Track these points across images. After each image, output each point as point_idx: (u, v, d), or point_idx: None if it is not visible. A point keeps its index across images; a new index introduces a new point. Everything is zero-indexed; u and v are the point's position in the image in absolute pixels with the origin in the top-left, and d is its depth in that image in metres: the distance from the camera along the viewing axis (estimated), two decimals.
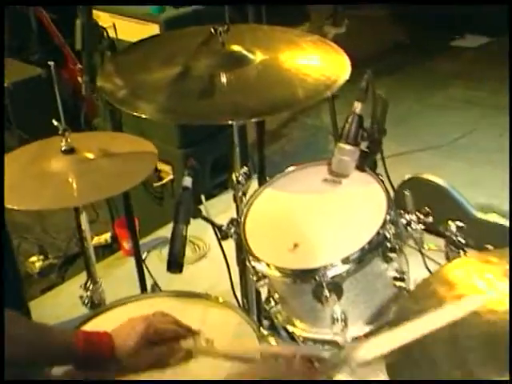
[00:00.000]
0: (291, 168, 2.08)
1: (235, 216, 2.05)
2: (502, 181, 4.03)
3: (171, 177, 3.86)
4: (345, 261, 1.76)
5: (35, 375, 1.65)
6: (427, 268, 2.11)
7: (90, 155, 2.11)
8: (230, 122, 2.07)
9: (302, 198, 2.00)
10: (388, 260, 1.86)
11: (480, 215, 3.27)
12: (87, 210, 2.30)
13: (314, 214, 1.95)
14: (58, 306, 3.34)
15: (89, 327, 1.79)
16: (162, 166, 3.85)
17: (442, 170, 3.53)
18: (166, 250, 1.71)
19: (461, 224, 1.97)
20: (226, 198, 2.47)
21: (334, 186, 1.99)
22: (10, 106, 4.06)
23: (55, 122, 2.11)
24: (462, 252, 1.96)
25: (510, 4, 3.41)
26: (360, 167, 1.94)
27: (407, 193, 1.92)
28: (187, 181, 1.79)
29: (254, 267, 1.86)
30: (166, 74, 2.09)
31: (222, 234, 1.97)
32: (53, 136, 2.15)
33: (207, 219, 1.93)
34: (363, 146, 1.92)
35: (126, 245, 3.59)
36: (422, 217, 1.91)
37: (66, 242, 3.74)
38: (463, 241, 1.94)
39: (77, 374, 1.61)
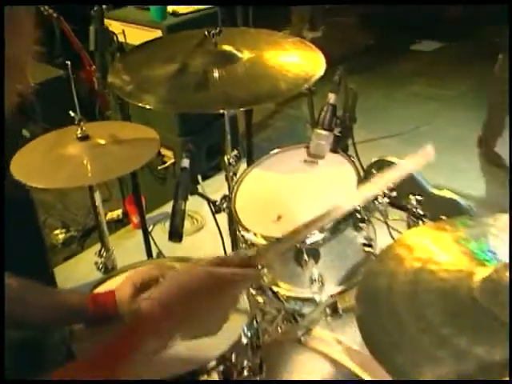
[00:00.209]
0: (275, 151, 2.07)
1: (227, 193, 2.04)
2: (453, 164, 4.07)
3: (173, 160, 3.87)
4: (321, 230, 1.75)
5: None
6: (391, 236, 2.09)
7: (102, 141, 2.09)
8: (221, 111, 2.07)
9: (284, 176, 1.99)
10: (358, 229, 1.86)
11: (435, 191, 3.27)
12: (102, 190, 2.28)
13: (295, 190, 1.94)
14: (77, 271, 3.35)
15: (103, 288, 1.77)
16: (164, 152, 3.86)
17: (404, 155, 3.50)
18: (168, 223, 1.70)
19: (420, 198, 1.96)
20: (220, 178, 2.47)
21: (312, 166, 1.99)
22: (37, 102, 4.08)
23: (72, 113, 2.09)
24: (420, 222, 1.95)
25: (510, 4, 3.36)
26: (334, 150, 1.95)
27: (374, 171, 1.91)
28: (185, 162, 1.79)
29: (243, 236, 1.85)
30: (167, 71, 2.08)
31: (215, 208, 1.97)
32: (70, 125, 2.13)
33: (203, 195, 1.92)
34: (336, 131, 1.93)
35: (135, 219, 3.59)
36: (386, 192, 1.90)
37: (84, 218, 3.73)
38: (422, 212, 1.93)
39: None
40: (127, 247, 3.46)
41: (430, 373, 1.21)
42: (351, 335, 1.75)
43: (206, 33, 2.09)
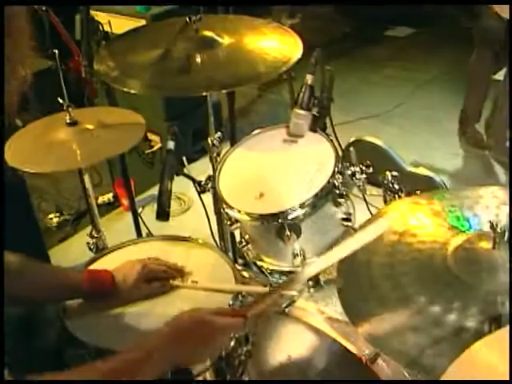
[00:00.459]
0: (256, 131, 2.05)
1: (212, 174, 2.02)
2: (426, 143, 4.08)
3: (159, 145, 3.86)
4: (302, 205, 1.74)
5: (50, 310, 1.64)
6: (369, 211, 2.08)
7: (90, 126, 2.06)
8: (204, 94, 2.04)
9: (265, 155, 1.97)
10: (337, 204, 1.85)
11: (410, 169, 3.27)
12: (92, 175, 2.26)
13: (276, 168, 1.92)
14: (71, 252, 3.34)
15: (94, 266, 1.76)
16: (151, 137, 3.85)
17: (380, 134, 3.53)
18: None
19: (395, 174, 1.94)
20: (205, 161, 2.45)
21: (292, 145, 1.97)
22: (29, 93, 4.05)
23: (60, 100, 2.06)
24: (397, 196, 1.94)
25: (511, 4, 3.34)
26: (312, 129, 1.93)
27: (352, 149, 1.89)
28: (170, 144, 1.78)
29: (227, 213, 1.84)
30: (151, 57, 2.07)
31: (201, 188, 1.97)
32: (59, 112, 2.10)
33: (188, 176, 1.91)
34: (314, 111, 1.92)
35: (125, 202, 3.57)
36: (364, 168, 1.89)
37: (77, 202, 3.70)
38: (398, 187, 1.92)
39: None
40: (118, 229, 3.44)
41: (408, 339, 1.21)
42: (333, 306, 1.74)
43: (188, 19, 2.07)
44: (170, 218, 1.71)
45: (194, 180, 1.95)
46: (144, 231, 2.91)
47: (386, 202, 1.96)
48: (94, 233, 2.27)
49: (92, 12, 2.36)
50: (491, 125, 4.00)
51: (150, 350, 1.25)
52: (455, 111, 4.17)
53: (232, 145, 2.09)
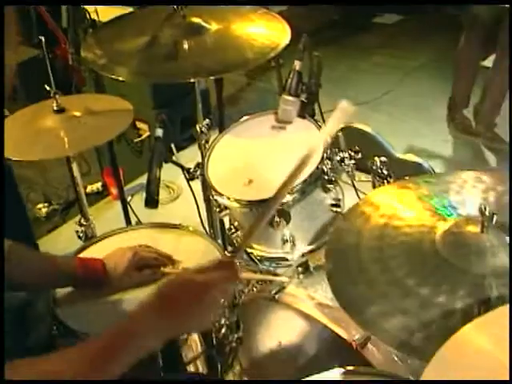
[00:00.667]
0: (244, 118, 2.05)
1: (200, 161, 2.01)
2: (415, 130, 4.09)
3: (148, 133, 3.82)
4: (291, 191, 1.73)
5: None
6: (358, 196, 2.08)
7: (78, 113, 2.05)
8: (191, 80, 2.03)
9: (254, 142, 1.97)
10: (326, 190, 1.85)
11: (399, 155, 3.26)
12: (81, 164, 2.25)
13: (265, 154, 1.92)
14: (60, 242, 3.32)
15: (84, 254, 1.75)
16: (140, 125, 3.82)
17: (369, 121, 3.52)
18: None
19: (384, 159, 1.94)
20: (194, 149, 2.45)
21: (280, 132, 1.97)
22: (16, 81, 4.03)
23: (47, 87, 2.04)
24: (385, 182, 1.94)
25: (510, 4, 3.33)
26: (301, 115, 1.92)
27: (340, 134, 1.89)
28: (159, 131, 1.78)
29: (216, 200, 1.84)
30: (138, 43, 2.06)
31: (189, 175, 1.97)
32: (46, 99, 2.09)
33: (177, 163, 1.91)
34: (303, 97, 1.91)
35: (114, 191, 3.56)
36: (353, 154, 1.89)
37: (65, 191, 3.68)
38: (386, 172, 1.92)
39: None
40: (107, 217, 3.43)
41: (398, 322, 1.21)
42: (323, 291, 1.75)
43: (175, 6, 2.06)
44: (160, 207, 1.71)
45: (182, 167, 1.94)
46: (133, 220, 2.90)
47: (374, 187, 1.96)
48: (82, 221, 2.26)
49: None
50: (480, 111, 4.00)
51: (139, 321, 1.19)
52: (444, 98, 4.18)
53: (220, 132, 2.08)
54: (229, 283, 1.31)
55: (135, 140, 3.85)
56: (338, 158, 1.89)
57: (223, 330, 1.64)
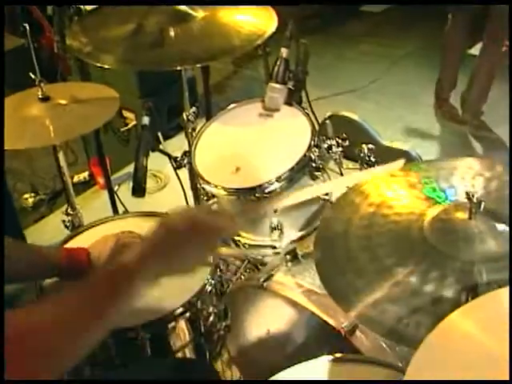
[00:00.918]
0: (232, 105, 2.04)
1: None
2: (401, 118, 4.09)
3: (134, 122, 3.78)
4: (278, 179, 1.74)
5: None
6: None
7: (63, 101, 2.03)
8: (178, 68, 2.01)
9: (241, 129, 1.96)
10: (314, 178, 1.85)
11: (386, 143, 3.27)
12: (68, 154, 2.23)
13: (252, 142, 1.91)
14: (47, 232, 3.29)
15: (71, 244, 1.74)
16: (126, 114, 3.79)
17: (356, 110, 3.52)
18: None
19: (371, 147, 1.94)
20: (181, 137, 2.44)
21: (268, 119, 1.96)
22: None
23: (32, 75, 2.02)
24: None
25: (510, 4, 3.32)
26: (288, 102, 1.92)
27: (328, 122, 1.89)
28: (145, 120, 1.77)
29: (204, 189, 1.84)
30: (124, 31, 2.04)
31: (177, 164, 1.96)
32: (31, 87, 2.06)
33: (164, 152, 1.90)
34: (290, 84, 1.90)
35: (101, 180, 3.53)
36: (340, 141, 1.89)
37: (52, 181, 3.65)
38: (374, 160, 1.91)
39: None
40: (94, 207, 3.41)
41: (386, 309, 1.21)
42: (311, 279, 1.74)
43: None
44: (147, 196, 1.70)
45: (169, 156, 1.93)
46: (121, 209, 2.89)
47: None
48: (69, 210, 2.24)
49: None
50: (467, 99, 4.01)
51: (140, 258, 1.12)
52: (430, 86, 4.18)
53: (207, 120, 2.07)
54: (226, 229, 1.29)
55: (122, 129, 3.81)
56: (326, 146, 1.89)
57: (211, 318, 1.64)
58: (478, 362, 0.89)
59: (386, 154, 2.89)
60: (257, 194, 1.73)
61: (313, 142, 1.79)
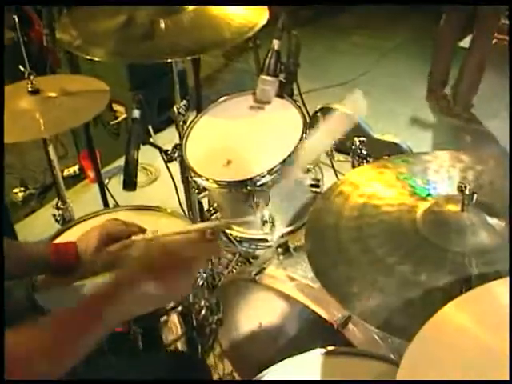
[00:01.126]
0: (222, 98, 2.02)
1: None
2: (392, 110, 4.10)
3: (124, 116, 3.79)
4: (270, 172, 1.72)
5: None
6: (337, 177, 2.08)
7: (53, 94, 2.01)
8: (168, 60, 2.00)
9: (232, 122, 1.95)
10: (305, 171, 1.83)
11: (377, 135, 3.26)
12: (57, 148, 2.22)
13: (243, 135, 1.90)
14: (37, 226, 3.28)
15: (61, 238, 1.72)
16: (116, 107, 3.78)
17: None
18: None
19: (363, 139, 1.94)
20: (172, 131, 2.42)
21: (259, 112, 1.95)
22: None
23: (22, 68, 2.00)
24: (365, 162, 1.93)
25: (510, 4, 3.31)
26: (279, 95, 1.91)
27: (319, 114, 1.88)
28: (136, 113, 1.76)
29: (195, 182, 1.83)
30: (114, 23, 2.01)
31: (167, 157, 1.94)
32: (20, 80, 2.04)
33: (154, 145, 1.89)
34: (281, 76, 1.89)
35: (91, 174, 3.51)
36: None
37: (42, 175, 3.63)
38: (365, 152, 1.91)
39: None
40: (85, 201, 3.41)
41: (379, 302, 1.21)
42: (303, 272, 1.74)
43: None
44: (138, 189, 1.69)
45: (160, 149, 1.92)
46: (111, 203, 2.88)
47: (354, 167, 1.96)
48: (60, 204, 2.23)
49: None
50: (457, 92, 4.02)
51: (124, 286, 1.15)
52: (421, 78, 4.18)
53: (198, 113, 2.06)
54: (210, 256, 1.37)
55: (112, 122, 3.81)
56: None
57: (203, 312, 1.64)
58: (473, 355, 0.89)
59: (377, 147, 2.88)
60: (248, 187, 1.72)
61: (304, 135, 1.78)
